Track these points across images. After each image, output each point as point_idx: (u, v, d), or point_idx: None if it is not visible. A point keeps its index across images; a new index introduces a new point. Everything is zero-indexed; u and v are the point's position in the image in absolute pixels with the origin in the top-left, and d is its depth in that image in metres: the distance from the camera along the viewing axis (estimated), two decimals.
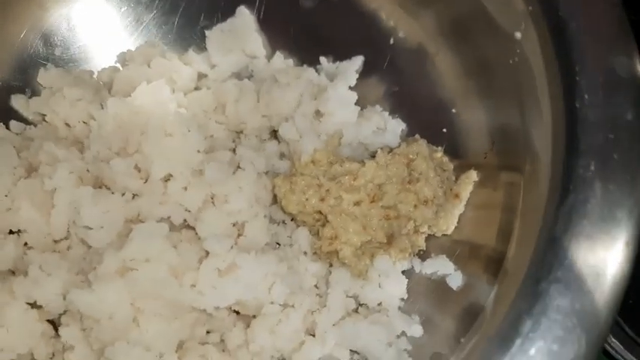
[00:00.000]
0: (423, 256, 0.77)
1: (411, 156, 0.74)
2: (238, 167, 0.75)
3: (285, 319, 0.69)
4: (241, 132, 0.83)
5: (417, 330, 0.72)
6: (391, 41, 0.83)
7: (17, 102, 0.81)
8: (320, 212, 0.72)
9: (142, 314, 0.65)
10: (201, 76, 0.86)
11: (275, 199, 0.77)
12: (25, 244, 0.71)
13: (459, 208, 0.75)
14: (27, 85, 0.82)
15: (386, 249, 0.73)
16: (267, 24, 0.86)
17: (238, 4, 0.86)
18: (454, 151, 0.79)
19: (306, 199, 0.72)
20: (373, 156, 0.75)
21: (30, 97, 0.81)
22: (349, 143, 0.79)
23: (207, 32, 0.85)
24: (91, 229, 0.69)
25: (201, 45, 0.87)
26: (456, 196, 0.75)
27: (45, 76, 0.81)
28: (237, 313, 0.72)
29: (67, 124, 0.78)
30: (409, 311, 0.74)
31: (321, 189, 0.72)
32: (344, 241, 0.70)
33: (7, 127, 0.79)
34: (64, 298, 0.65)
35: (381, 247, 0.73)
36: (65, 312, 0.67)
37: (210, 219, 0.71)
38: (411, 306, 0.75)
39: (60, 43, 0.85)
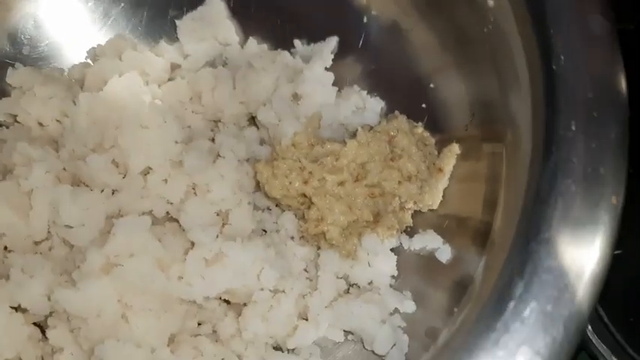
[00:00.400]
0: (410, 232, 0.77)
1: (391, 133, 0.73)
2: (218, 156, 0.74)
3: (276, 305, 0.68)
4: (219, 121, 0.81)
5: (409, 306, 0.72)
6: (364, 19, 0.82)
7: None
8: (304, 195, 0.72)
9: (130, 310, 0.64)
10: (174, 66, 0.84)
11: (258, 186, 0.76)
12: (5, 247, 0.70)
13: (443, 182, 0.75)
14: None
15: (373, 227, 0.72)
16: (239, 10, 0.85)
17: None
18: (435, 125, 0.79)
19: (290, 183, 0.71)
20: (354, 136, 0.74)
21: None
22: (329, 124, 0.78)
23: (177, 22, 0.84)
24: (71, 227, 0.67)
25: (172, 35, 0.85)
26: (440, 170, 0.75)
27: (14, 76, 0.79)
28: (228, 302, 0.71)
29: (40, 124, 0.77)
30: (401, 288, 0.75)
31: (304, 172, 0.71)
32: (330, 222, 0.70)
33: None
34: (49, 300, 0.64)
35: (368, 226, 0.72)
36: (51, 313, 0.66)
37: (193, 209, 0.70)
38: (402, 283, 0.75)
39: (27, 42, 0.83)
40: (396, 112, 0.78)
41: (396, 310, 0.72)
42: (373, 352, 0.71)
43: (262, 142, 0.80)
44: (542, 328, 0.51)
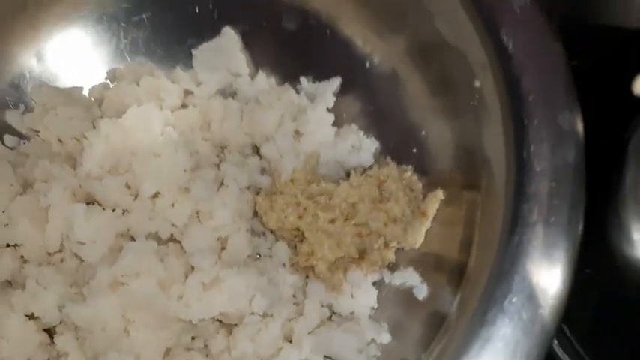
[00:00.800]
0: (392, 267, 0.83)
1: (382, 178, 0.79)
2: (222, 184, 0.81)
3: (264, 328, 0.74)
4: (225, 147, 0.88)
5: (385, 337, 0.78)
6: (367, 64, 0.88)
7: (12, 117, 0.85)
8: (298, 229, 0.78)
9: (132, 325, 0.70)
10: (187, 92, 0.90)
11: (256, 213, 0.82)
12: (22, 256, 0.76)
13: (426, 224, 0.81)
14: (20, 101, 0.86)
15: (358, 263, 0.79)
16: (251, 44, 0.91)
17: (223, 25, 0.90)
18: (423, 169, 0.84)
19: (285, 217, 0.77)
20: (348, 174, 0.81)
21: (23, 113, 0.85)
22: (326, 162, 0.84)
23: (193, 51, 0.90)
24: (84, 244, 0.74)
25: (187, 63, 0.91)
26: (423, 214, 0.81)
27: (37, 93, 0.85)
28: (220, 321, 0.78)
29: (60, 140, 0.83)
30: (379, 319, 0.80)
31: (299, 207, 0.78)
32: (319, 256, 0.76)
33: (3, 143, 0.83)
34: (60, 310, 0.71)
35: (354, 262, 0.79)
36: (60, 322, 0.72)
37: (195, 234, 0.76)
38: (380, 314, 0.81)
39: (51, 61, 0.88)
40: (388, 159, 0.84)
41: (373, 340, 0.78)
42: None
43: (263, 171, 0.86)
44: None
